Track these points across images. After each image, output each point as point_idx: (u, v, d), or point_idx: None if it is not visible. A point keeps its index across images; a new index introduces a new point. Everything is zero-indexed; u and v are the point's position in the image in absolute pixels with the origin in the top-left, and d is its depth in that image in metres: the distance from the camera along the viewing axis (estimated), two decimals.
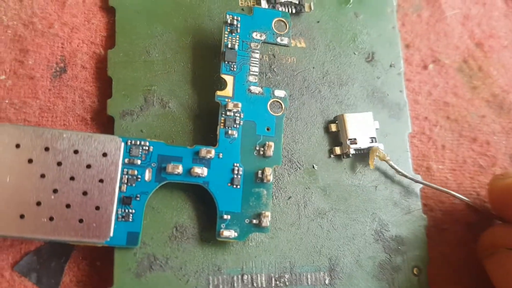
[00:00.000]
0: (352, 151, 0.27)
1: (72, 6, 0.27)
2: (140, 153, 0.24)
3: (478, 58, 0.33)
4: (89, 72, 0.26)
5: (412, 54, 0.32)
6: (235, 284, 0.25)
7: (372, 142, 0.28)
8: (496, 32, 0.34)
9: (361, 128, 0.28)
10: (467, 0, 0.34)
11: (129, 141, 0.24)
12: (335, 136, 0.28)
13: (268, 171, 0.25)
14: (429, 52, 0.32)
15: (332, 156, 0.28)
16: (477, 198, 0.30)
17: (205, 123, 0.26)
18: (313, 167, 0.27)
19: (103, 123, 0.26)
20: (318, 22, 0.30)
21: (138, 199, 0.23)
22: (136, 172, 0.24)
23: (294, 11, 0.29)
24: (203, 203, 0.25)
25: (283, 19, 0.27)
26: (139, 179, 0.24)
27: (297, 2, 0.29)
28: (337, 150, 0.28)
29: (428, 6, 0.33)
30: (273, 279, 0.25)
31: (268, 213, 0.25)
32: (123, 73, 0.26)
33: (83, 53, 0.26)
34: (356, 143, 0.27)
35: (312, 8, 0.29)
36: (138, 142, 0.24)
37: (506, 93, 0.33)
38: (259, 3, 0.29)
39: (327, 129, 0.28)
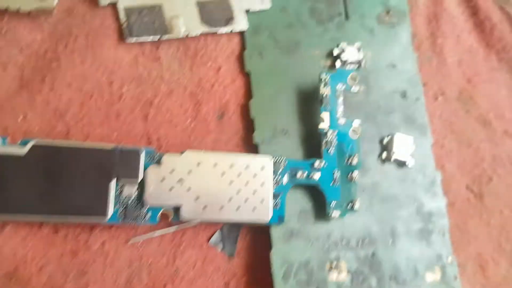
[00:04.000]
0: (393, 158, 0.42)
1: (223, 72, 0.41)
2: (280, 165, 0.38)
3: (469, 90, 0.49)
4: (238, 116, 0.40)
5: (428, 90, 0.47)
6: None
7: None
8: (479, 71, 0.50)
9: (403, 145, 0.43)
10: (461, 50, 0.50)
11: (274, 158, 0.38)
12: (385, 147, 0.43)
13: (355, 173, 0.40)
14: (437, 88, 0.48)
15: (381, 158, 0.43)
16: None
17: (313, 143, 0.41)
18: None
19: (251, 148, 0.40)
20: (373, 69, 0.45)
21: (281, 194, 0.38)
22: (279, 178, 0.38)
23: (356, 67, 0.44)
24: (317, 195, 0.40)
25: (354, 74, 0.42)
26: (281, 183, 0.38)
27: (357, 62, 0.44)
28: (384, 154, 0.43)
29: (434, 55, 0.49)
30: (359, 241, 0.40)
31: (357, 200, 0.39)
32: (260, 115, 0.40)
33: (233, 103, 0.40)
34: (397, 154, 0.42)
35: (368, 63, 0.44)
36: (278, 159, 0.38)
37: (494, 115, 0.48)
38: (333, 64, 0.44)
39: (381, 141, 0.43)
